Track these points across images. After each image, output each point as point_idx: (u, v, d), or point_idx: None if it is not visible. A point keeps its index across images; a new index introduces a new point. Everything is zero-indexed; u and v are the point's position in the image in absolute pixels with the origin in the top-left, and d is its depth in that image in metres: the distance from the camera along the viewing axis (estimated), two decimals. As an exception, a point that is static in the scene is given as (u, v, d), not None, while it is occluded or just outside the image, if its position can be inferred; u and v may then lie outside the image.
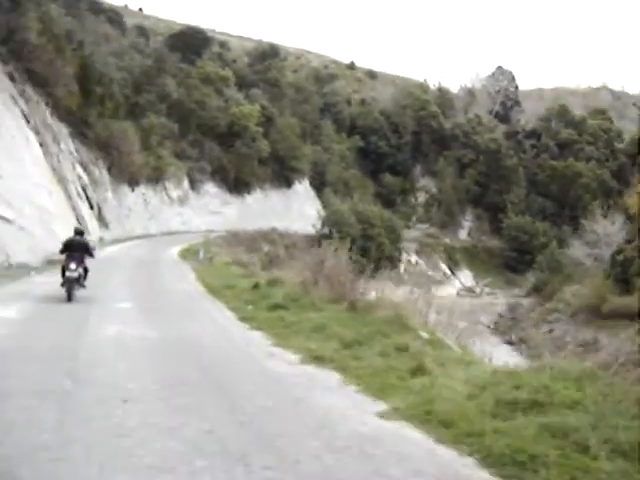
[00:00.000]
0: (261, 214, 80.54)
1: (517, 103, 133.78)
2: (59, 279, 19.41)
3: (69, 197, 40.81)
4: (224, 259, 35.83)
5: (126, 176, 55.33)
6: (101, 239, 44.15)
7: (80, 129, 48.13)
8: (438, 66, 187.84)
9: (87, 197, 45.57)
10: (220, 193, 77.98)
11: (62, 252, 19.86)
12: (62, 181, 40.17)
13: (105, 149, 51.98)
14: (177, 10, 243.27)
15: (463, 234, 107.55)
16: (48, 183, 36.80)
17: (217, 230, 68.00)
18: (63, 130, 44.72)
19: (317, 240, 76.80)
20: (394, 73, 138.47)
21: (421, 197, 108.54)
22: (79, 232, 20.97)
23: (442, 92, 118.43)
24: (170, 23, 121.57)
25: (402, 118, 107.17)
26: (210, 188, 76.31)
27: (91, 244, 21.65)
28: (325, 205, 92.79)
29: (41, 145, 38.09)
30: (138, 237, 53.17)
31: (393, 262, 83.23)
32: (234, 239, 58.14)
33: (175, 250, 43.07)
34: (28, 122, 37.50)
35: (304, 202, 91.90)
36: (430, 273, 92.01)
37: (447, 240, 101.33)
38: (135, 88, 65.44)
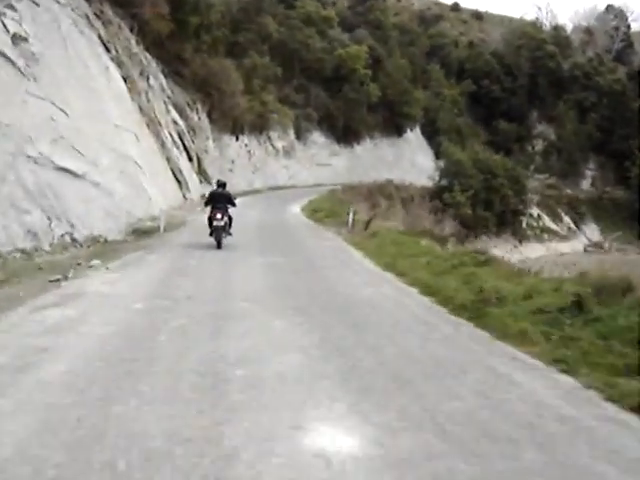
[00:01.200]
0: (371, 165, 70.95)
1: (630, 44, 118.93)
2: (151, 274, 14.55)
3: (162, 145, 31.48)
4: (386, 224, 24.94)
5: (229, 122, 45.52)
6: (203, 197, 35.61)
7: (173, 65, 38.62)
8: (544, 4, 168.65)
9: (184, 147, 36.22)
10: (328, 143, 68.33)
11: (206, 204, 20.33)
12: (153, 125, 30.67)
13: (203, 90, 42.02)
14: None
15: (586, 184, 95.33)
16: (135, 127, 27.55)
17: (326, 183, 59.26)
18: (153, 64, 35.24)
19: (435, 193, 67.32)
20: (501, 13, 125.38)
21: (538, 145, 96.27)
22: (221, 184, 20.83)
23: (557, 30, 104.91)
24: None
25: (516, 59, 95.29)
26: (317, 138, 66.71)
27: (232, 195, 21.14)
28: (438, 154, 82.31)
29: (125, 80, 28.61)
30: (245, 193, 43.92)
31: (517, 216, 73.15)
32: (354, 193, 48.53)
33: (296, 209, 33.60)
34: (108, 51, 28.11)
35: (416, 152, 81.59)
36: (554, 227, 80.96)
37: (569, 191, 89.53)
38: (233, 27, 55.52)
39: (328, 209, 31.48)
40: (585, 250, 78.36)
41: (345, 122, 68.57)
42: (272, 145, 57.72)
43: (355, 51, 70.19)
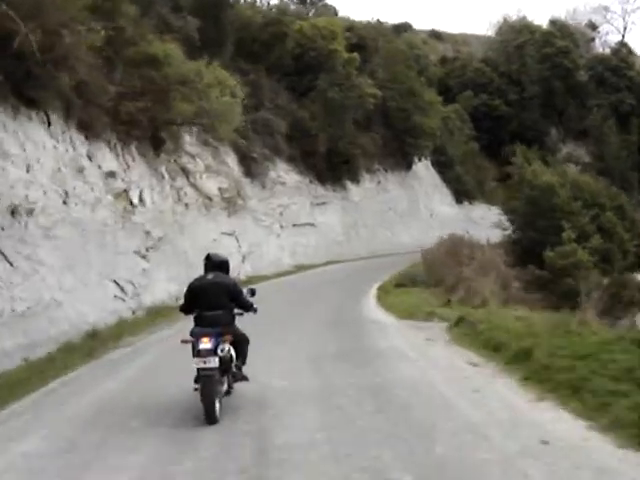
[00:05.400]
0: (378, 219, 35.77)
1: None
2: None
3: None
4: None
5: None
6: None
7: None
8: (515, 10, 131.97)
9: None
10: (305, 184, 32.40)
11: (186, 311, 7.64)
12: None
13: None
14: None
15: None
16: None
17: (317, 263, 23.97)
18: None
19: (518, 255, 32.65)
20: (457, 32, 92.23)
21: (570, 170, 61.76)
22: (217, 264, 7.69)
23: (557, 25, 71.77)
24: None
25: (519, 64, 62.19)
26: (285, 174, 30.70)
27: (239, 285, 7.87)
28: (460, 197, 47.72)
29: None
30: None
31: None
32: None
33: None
34: None
35: (431, 193, 46.12)
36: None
37: None
38: None
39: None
40: None
41: (328, 143, 32.92)
42: (195, 186, 21.69)
43: (326, 23, 35.51)
